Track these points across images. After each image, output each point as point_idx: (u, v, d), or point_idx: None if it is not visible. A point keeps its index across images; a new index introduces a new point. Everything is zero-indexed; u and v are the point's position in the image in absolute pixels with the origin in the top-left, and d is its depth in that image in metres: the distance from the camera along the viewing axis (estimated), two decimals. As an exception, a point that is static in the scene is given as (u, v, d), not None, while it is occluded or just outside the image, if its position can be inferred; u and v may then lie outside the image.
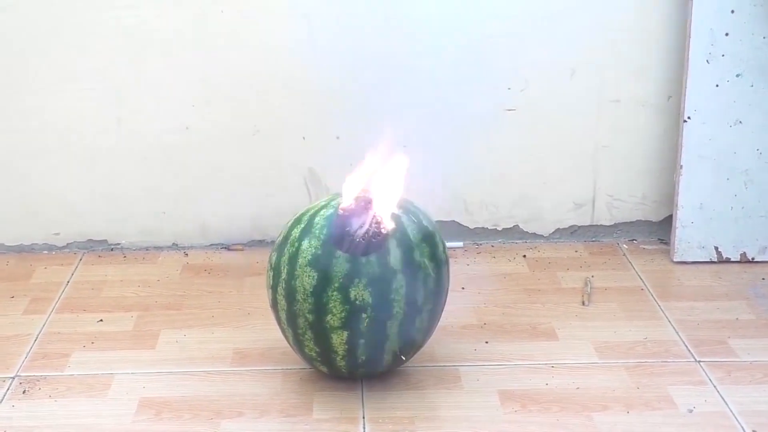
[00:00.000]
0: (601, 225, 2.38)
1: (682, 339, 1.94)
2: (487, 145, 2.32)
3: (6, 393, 1.78)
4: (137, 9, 2.20)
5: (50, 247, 2.35)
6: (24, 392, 1.78)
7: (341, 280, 1.65)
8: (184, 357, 1.89)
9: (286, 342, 1.78)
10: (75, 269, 2.27)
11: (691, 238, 2.25)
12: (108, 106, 2.27)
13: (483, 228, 2.38)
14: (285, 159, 2.33)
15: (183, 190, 2.34)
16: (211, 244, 2.38)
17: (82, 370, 1.85)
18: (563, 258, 2.30)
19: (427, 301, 1.70)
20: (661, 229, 2.36)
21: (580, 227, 2.38)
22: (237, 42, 2.24)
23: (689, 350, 1.90)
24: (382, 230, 1.67)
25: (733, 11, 2.12)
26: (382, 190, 1.71)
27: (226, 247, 2.37)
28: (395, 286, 1.66)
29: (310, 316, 1.68)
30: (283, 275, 1.70)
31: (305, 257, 1.67)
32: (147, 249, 2.36)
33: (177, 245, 2.37)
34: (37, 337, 1.96)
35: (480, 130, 2.31)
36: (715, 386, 1.78)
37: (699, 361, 1.86)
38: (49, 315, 2.06)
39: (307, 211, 1.75)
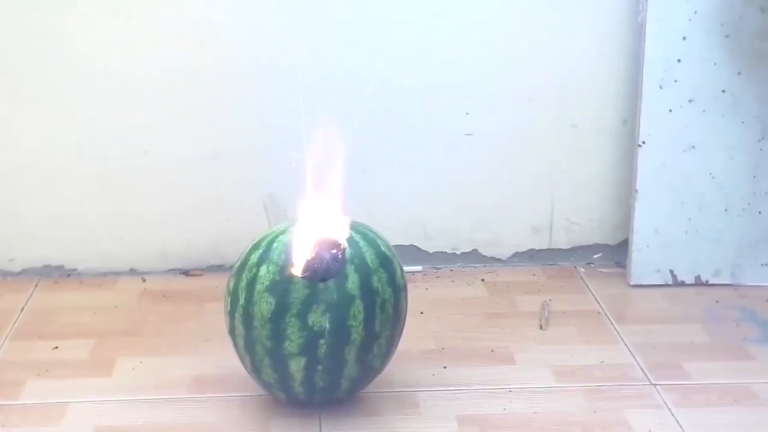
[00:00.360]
0: (558, 249, 2.40)
1: (638, 362, 1.96)
2: (446, 169, 2.34)
3: (-42, 423, 1.76)
4: (96, 32, 2.20)
5: (5, 273, 2.33)
6: (-23, 422, 1.76)
7: (299, 306, 1.65)
8: (141, 384, 1.88)
9: (243, 369, 1.77)
10: (30, 296, 2.24)
11: (647, 261, 2.27)
12: (67, 129, 2.25)
13: (442, 252, 2.39)
14: (244, 184, 2.32)
15: (142, 215, 2.32)
16: (170, 269, 2.36)
17: (37, 398, 1.83)
18: (521, 282, 2.31)
19: (385, 327, 1.70)
20: (618, 253, 2.39)
21: (538, 251, 2.40)
22: (196, 66, 2.24)
23: (645, 373, 1.92)
24: (340, 256, 1.67)
25: (684, 38, 2.16)
26: (337, 216, 1.72)
27: (185, 272, 2.36)
28: (353, 312, 1.66)
29: (267, 343, 1.67)
30: (241, 301, 1.70)
31: (263, 283, 1.67)
32: (105, 274, 2.34)
33: (135, 270, 2.35)
34: (-9, 366, 1.94)
35: (439, 155, 2.33)
36: (670, 409, 1.80)
37: (654, 384, 1.88)
38: (3, 342, 2.03)
39: (266, 236, 1.75)
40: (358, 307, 1.66)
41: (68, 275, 2.34)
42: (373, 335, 1.69)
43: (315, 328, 1.65)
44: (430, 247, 2.38)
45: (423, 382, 1.88)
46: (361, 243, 1.72)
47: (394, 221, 2.28)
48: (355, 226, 1.75)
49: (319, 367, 1.67)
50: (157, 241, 2.35)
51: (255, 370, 1.73)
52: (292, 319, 1.65)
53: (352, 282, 1.67)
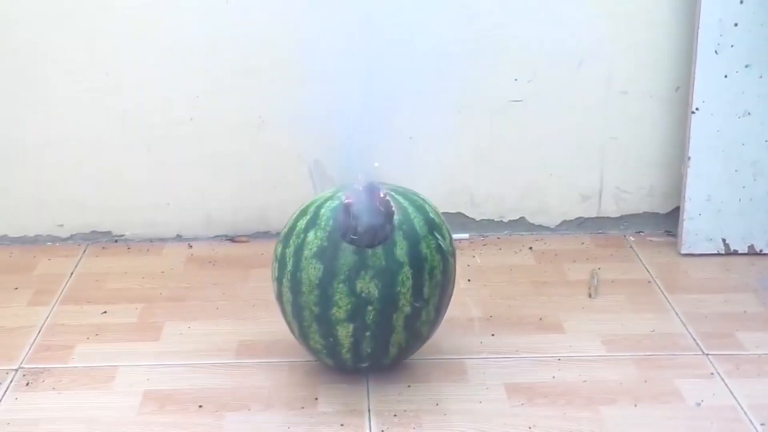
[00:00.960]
0: (607, 217, 2.37)
1: (689, 332, 1.93)
2: (494, 136, 2.31)
3: (9, 385, 1.77)
4: (141, 3, 2.19)
5: (54, 239, 2.34)
6: (27, 384, 1.78)
7: (347, 273, 1.64)
8: (188, 349, 1.88)
9: (291, 334, 1.77)
10: (79, 261, 2.26)
11: (698, 230, 2.23)
12: (113, 97, 2.26)
13: (489, 220, 2.37)
14: (290, 151, 2.31)
15: (187, 182, 2.33)
16: (216, 236, 2.37)
17: (86, 362, 1.84)
18: (570, 250, 2.29)
19: (433, 293, 1.69)
20: (669, 222, 2.35)
21: (586, 219, 2.37)
22: (241, 33, 2.22)
23: (697, 343, 1.89)
24: (389, 222, 1.66)
25: (742, 1, 2.10)
26: (382, 182, 1.70)
27: (230, 239, 2.36)
28: (401, 279, 1.65)
29: (315, 309, 1.67)
30: (289, 267, 1.69)
31: (311, 249, 1.66)
32: (151, 241, 2.35)
33: (181, 237, 2.36)
34: (40, 329, 1.96)
35: (486, 122, 2.30)
36: (723, 379, 1.77)
37: (707, 354, 1.85)
38: (53, 307, 2.05)
39: (313, 202, 1.74)
40: (406, 274, 1.65)
41: (115, 241, 2.35)
42: (422, 302, 1.67)
43: (363, 295, 1.64)
44: (477, 215, 2.36)
45: (471, 349, 1.87)
46: (410, 209, 1.70)
47: (441, 188, 2.25)
48: (403, 192, 1.74)
49: (367, 334, 1.67)
50: (203, 208, 2.35)
51: (302, 336, 1.72)
52: (340, 285, 1.64)
53: (401, 248, 1.65)
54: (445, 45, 2.23)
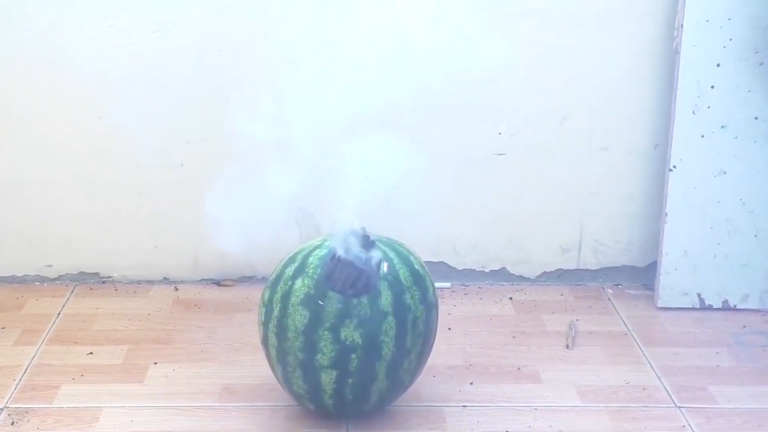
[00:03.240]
0: (586, 269, 2.42)
1: (663, 384, 1.97)
2: (477, 188, 2.36)
3: (-5, 424, 1.80)
4: (137, 47, 2.24)
5: (42, 279, 2.37)
6: (12, 423, 1.80)
7: (332, 320, 1.68)
8: (172, 391, 1.91)
9: (274, 379, 1.80)
10: (66, 301, 2.29)
11: (674, 284, 2.28)
12: (105, 141, 2.30)
13: (471, 269, 2.41)
14: (277, 197, 2.35)
15: (175, 226, 2.37)
16: (202, 279, 2.40)
17: (71, 402, 1.87)
18: (549, 301, 2.33)
19: (415, 343, 1.73)
20: (646, 275, 2.40)
21: (566, 271, 2.42)
22: (232, 82, 2.27)
23: (670, 396, 1.93)
24: (375, 273, 1.70)
25: (718, 65, 2.17)
26: (368, 233, 1.75)
27: (216, 283, 2.40)
28: (385, 328, 1.69)
29: (300, 354, 1.70)
30: (275, 312, 1.73)
31: (298, 296, 1.70)
32: (138, 283, 2.38)
33: (168, 279, 2.40)
34: (26, 369, 1.98)
35: (470, 174, 2.35)
36: (694, 432, 1.81)
37: (680, 407, 1.89)
38: (40, 346, 2.07)
39: (301, 250, 1.79)
40: (390, 323, 1.69)
41: (103, 282, 2.38)
42: (404, 351, 1.71)
43: (347, 343, 1.68)
44: (459, 264, 2.40)
45: (450, 397, 1.90)
46: (395, 260, 1.75)
47: (424, 237, 2.29)
48: (389, 243, 1.78)
49: (350, 381, 1.70)
50: (190, 252, 2.39)
51: (286, 380, 1.76)
52: (326, 332, 1.68)
53: (385, 298, 1.69)
54: (431, 97, 2.29)
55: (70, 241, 2.36)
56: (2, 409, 1.84)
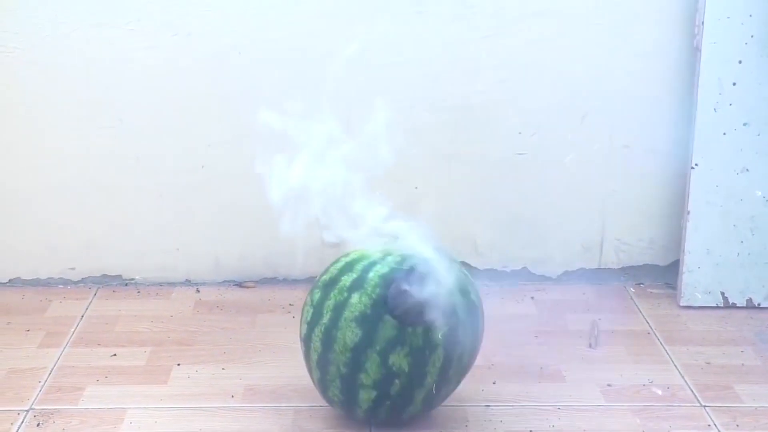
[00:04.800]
0: (608, 268, 2.41)
1: (687, 383, 1.96)
2: (498, 188, 2.36)
3: (21, 426, 1.81)
4: (157, 50, 2.25)
5: (65, 282, 2.39)
6: (38, 425, 1.81)
7: (384, 345, 1.64)
8: (195, 392, 1.92)
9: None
10: (89, 304, 2.30)
11: (697, 283, 2.27)
12: (126, 144, 2.31)
13: (492, 269, 2.41)
14: (299, 200, 2.35)
15: (197, 228, 2.38)
16: (224, 281, 2.41)
17: (96, 404, 1.88)
18: (571, 300, 2.32)
19: (458, 374, 1.73)
20: (668, 274, 2.39)
21: (588, 270, 2.41)
22: (251, 85, 2.28)
23: (695, 395, 1.92)
24: (438, 309, 1.65)
25: (740, 61, 2.16)
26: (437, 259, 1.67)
27: (238, 284, 2.41)
28: (433, 360, 1.67)
29: (343, 369, 1.68)
30: (325, 320, 1.68)
31: (353, 312, 1.66)
32: (160, 285, 2.39)
33: (190, 281, 2.41)
34: (51, 371, 2.00)
35: (491, 173, 2.35)
36: (720, 431, 1.80)
37: (704, 406, 1.88)
38: (64, 349, 2.09)
39: (360, 258, 1.72)
40: (439, 356, 1.67)
41: (126, 284, 2.40)
42: (445, 380, 1.71)
43: (394, 368, 1.65)
44: (480, 264, 2.40)
45: (472, 397, 1.90)
46: (456, 294, 1.68)
47: (445, 237, 2.29)
48: (454, 269, 1.71)
49: (387, 402, 1.69)
50: (212, 254, 2.40)
51: (322, 384, 1.74)
52: (374, 355, 1.65)
53: (441, 332, 1.66)
54: (452, 98, 2.29)
55: (93, 244, 2.37)
56: (28, 411, 1.86)
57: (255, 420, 1.83)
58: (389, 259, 1.71)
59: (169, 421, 1.82)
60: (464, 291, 1.72)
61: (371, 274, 1.68)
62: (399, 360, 1.65)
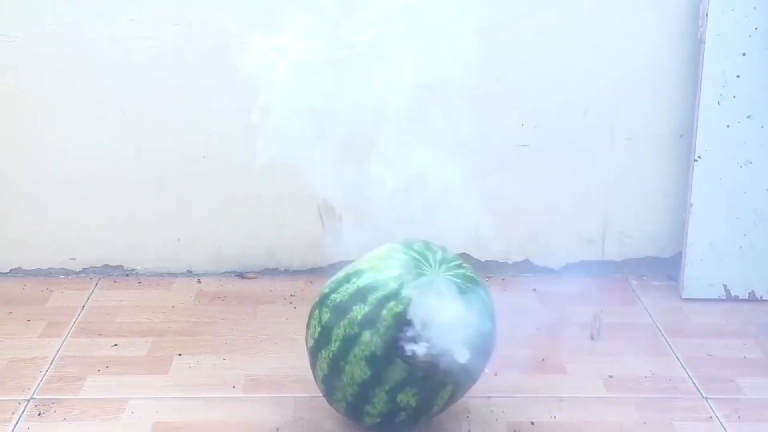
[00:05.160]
0: (611, 261, 2.40)
1: (689, 375, 1.96)
2: (501, 179, 2.35)
3: (22, 415, 1.81)
4: (158, 40, 2.25)
5: (66, 272, 2.39)
6: (39, 414, 1.81)
7: (393, 385, 1.62)
8: (197, 383, 1.92)
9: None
10: (90, 294, 2.30)
11: (700, 275, 2.27)
12: (127, 134, 2.31)
13: (494, 261, 2.40)
14: (300, 190, 2.35)
15: (198, 218, 2.37)
16: (225, 272, 2.41)
17: (97, 393, 1.88)
18: (573, 292, 2.32)
19: (460, 396, 1.73)
20: (671, 266, 2.38)
21: (590, 262, 2.41)
22: (256, 75, 2.28)
23: (696, 387, 1.92)
24: (451, 359, 1.60)
25: (744, 54, 2.15)
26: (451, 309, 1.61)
27: (239, 275, 2.40)
28: (442, 394, 1.67)
29: (350, 398, 1.66)
30: (333, 347, 1.63)
31: (363, 350, 1.60)
32: (161, 275, 2.39)
33: (191, 272, 2.40)
34: (52, 361, 1.99)
35: (494, 165, 2.34)
36: (721, 423, 1.80)
37: (706, 398, 1.88)
38: (65, 339, 2.08)
39: (374, 288, 1.62)
40: (448, 391, 1.67)
41: (127, 275, 2.39)
42: (451, 404, 1.72)
43: (401, 404, 1.64)
44: (482, 256, 2.40)
45: (474, 388, 1.88)
46: (472, 327, 1.63)
47: (446, 228, 2.29)
48: (469, 298, 1.66)
49: (391, 427, 1.69)
50: (213, 244, 2.39)
51: (328, 396, 1.72)
52: (382, 393, 1.63)
53: (452, 379, 1.65)
54: (453, 89, 2.28)
55: (94, 234, 2.37)
56: (29, 400, 1.85)
57: (256, 410, 1.83)
58: (404, 294, 1.60)
59: (171, 411, 1.82)
60: (482, 319, 1.65)
61: (384, 312, 1.59)
62: (407, 398, 1.63)
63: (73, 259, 2.38)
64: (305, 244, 2.36)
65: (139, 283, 2.36)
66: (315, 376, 1.74)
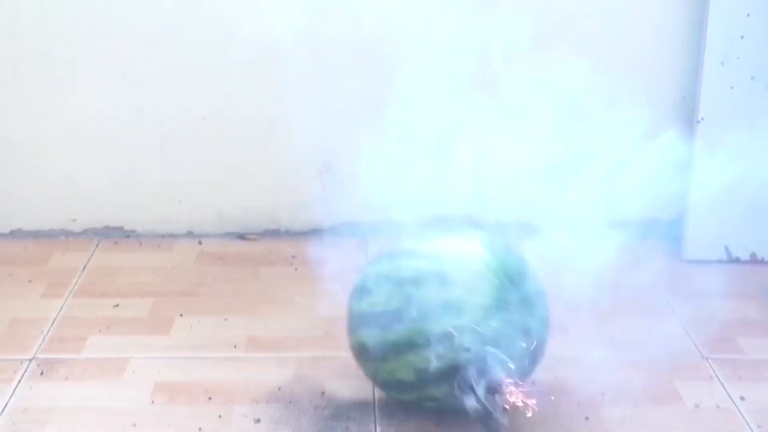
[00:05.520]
0: (612, 222, 2.39)
1: (690, 336, 1.96)
2: (500, 143, 2.34)
3: (24, 374, 1.81)
4: (160, 3, 2.23)
5: (67, 233, 2.38)
6: (42, 374, 1.81)
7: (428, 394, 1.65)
8: (198, 343, 1.92)
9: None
10: (91, 255, 2.30)
11: (701, 237, 2.26)
12: (128, 95, 2.30)
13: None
14: (301, 152, 2.35)
15: (199, 180, 2.37)
16: (226, 233, 2.40)
17: (99, 353, 1.88)
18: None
19: None
20: (673, 228, 2.38)
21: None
22: (256, 35, 2.26)
23: (697, 347, 1.92)
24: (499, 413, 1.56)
25: (749, 14, 2.14)
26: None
27: (240, 236, 2.40)
28: None
29: (392, 393, 1.72)
30: (377, 368, 1.67)
31: (419, 362, 1.60)
32: (162, 236, 2.39)
33: (192, 233, 2.40)
34: (54, 321, 2.00)
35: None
36: (721, 383, 1.80)
37: (707, 358, 1.88)
38: (66, 299, 2.09)
39: (419, 332, 1.57)
40: None
41: (127, 236, 2.39)
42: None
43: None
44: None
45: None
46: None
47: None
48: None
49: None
50: (214, 206, 2.39)
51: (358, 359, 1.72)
52: (415, 392, 1.66)
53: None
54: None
55: (94, 195, 2.36)
56: (31, 360, 1.86)
57: (258, 369, 1.83)
58: (472, 347, 1.57)
59: (172, 371, 1.83)
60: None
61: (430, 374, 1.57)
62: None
63: (74, 220, 2.38)
64: (306, 206, 2.35)
65: (140, 244, 2.36)
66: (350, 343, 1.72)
